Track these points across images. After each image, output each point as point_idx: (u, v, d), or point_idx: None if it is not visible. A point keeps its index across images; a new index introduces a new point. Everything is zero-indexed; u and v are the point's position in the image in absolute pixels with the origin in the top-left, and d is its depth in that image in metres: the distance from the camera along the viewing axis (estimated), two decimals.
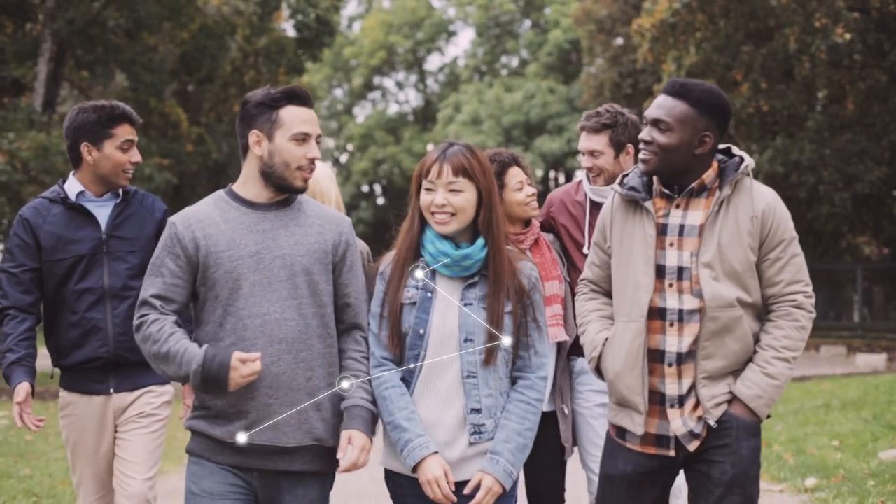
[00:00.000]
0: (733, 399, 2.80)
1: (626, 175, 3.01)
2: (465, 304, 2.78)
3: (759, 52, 18.12)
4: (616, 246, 2.96)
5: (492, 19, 39.19)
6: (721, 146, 2.93)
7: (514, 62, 39.57)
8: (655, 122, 2.83)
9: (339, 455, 2.72)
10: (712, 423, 2.78)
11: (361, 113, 43.39)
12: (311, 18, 18.14)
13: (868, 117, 18.77)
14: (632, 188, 2.92)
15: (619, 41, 25.21)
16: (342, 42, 38.80)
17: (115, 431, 3.47)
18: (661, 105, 2.83)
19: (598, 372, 2.99)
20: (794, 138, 18.95)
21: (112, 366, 3.40)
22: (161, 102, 19.08)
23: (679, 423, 2.82)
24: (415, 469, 2.75)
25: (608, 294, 3.04)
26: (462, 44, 58.16)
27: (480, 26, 39.57)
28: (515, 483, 2.85)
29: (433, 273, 2.83)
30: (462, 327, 2.76)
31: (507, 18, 39.20)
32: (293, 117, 2.74)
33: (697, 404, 2.81)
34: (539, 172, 34.98)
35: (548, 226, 3.79)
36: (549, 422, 3.47)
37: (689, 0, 17.74)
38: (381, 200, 41.15)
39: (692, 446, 2.81)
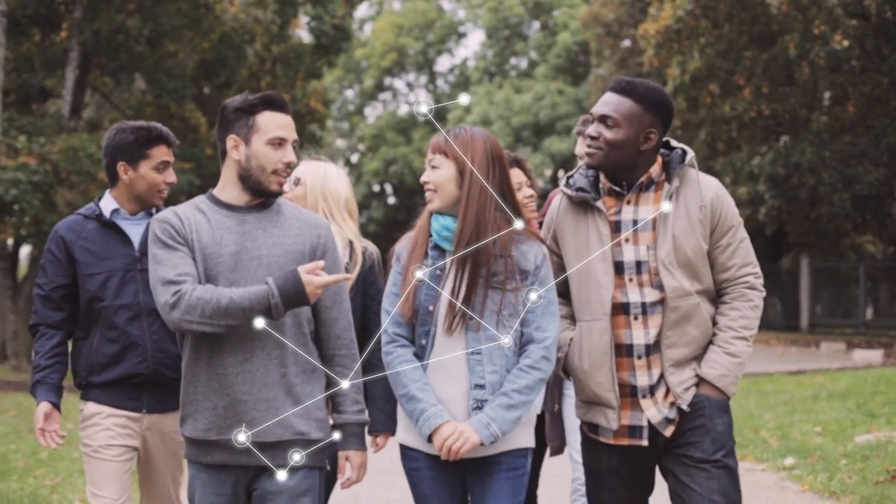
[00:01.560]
0: (701, 381, 2.88)
1: (570, 177, 3.06)
2: None
3: (760, 57, 18.66)
4: (570, 248, 2.99)
5: (501, 21, 39.68)
6: None
7: (524, 64, 40.09)
8: (603, 119, 2.87)
9: (340, 477, 2.88)
10: (685, 406, 2.86)
11: (372, 114, 43.99)
12: (328, 26, 18.80)
13: (869, 119, 19.28)
14: (580, 189, 2.97)
15: (627, 43, 25.76)
16: (354, 44, 39.41)
17: (141, 445, 3.45)
18: (608, 102, 2.88)
19: (564, 371, 3.03)
20: (797, 140, 19.51)
21: (149, 383, 3.40)
22: (181, 108, 19.75)
23: (654, 411, 2.87)
24: (430, 438, 2.82)
25: (559, 295, 3.05)
26: (472, 45, 58.54)
27: (490, 28, 40.06)
28: (524, 460, 2.91)
29: (443, 253, 2.91)
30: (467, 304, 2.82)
31: (516, 21, 39.71)
32: (269, 122, 2.78)
33: (668, 391, 2.88)
34: (548, 172, 35.53)
35: None
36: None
37: (693, 7, 18.28)
38: (391, 200, 41.71)
39: (668, 431, 2.87)
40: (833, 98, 19.98)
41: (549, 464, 3.91)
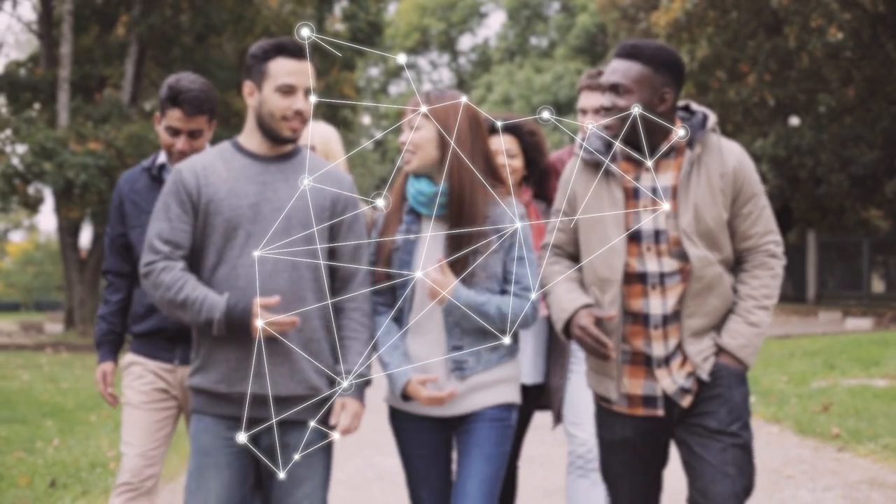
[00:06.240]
0: (720, 351, 2.79)
1: (585, 139, 2.97)
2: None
3: (764, 46, 20.02)
4: (583, 212, 2.89)
5: (522, 2, 40.85)
6: (680, 103, 2.90)
7: (544, 44, 41.28)
8: (613, 87, 2.77)
9: (333, 421, 2.74)
10: (704, 376, 2.76)
11: (396, 91, 45.39)
12: (362, 22, 20.36)
13: (869, 103, 20.60)
14: (595, 150, 2.86)
15: (644, 25, 27.03)
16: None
17: (181, 397, 3.35)
18: (616, 69, 2.77)
19: (566, 335, 2.89)
20: (798, 123, 20.95)
21: (182, 336, 3.31)
22: (225, 94, 21.39)
23: (668, 381, 2.79)
24: (405, 398, 2.84)
25: (570, 257, 2.99)
26: (493, 26, 59.62)
27: (511, 9, 41.23)
28: (509, 413, 2.89)
29: (419, 217, 2.90)
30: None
31: (536, 1, 40.84)
32: (279, 69, 2.74)
33: (684, 361, 2.79)
34: None
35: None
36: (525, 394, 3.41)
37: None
38: None
39: (686, 401, 2.78)
40: (839, 79, 21.24)
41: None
